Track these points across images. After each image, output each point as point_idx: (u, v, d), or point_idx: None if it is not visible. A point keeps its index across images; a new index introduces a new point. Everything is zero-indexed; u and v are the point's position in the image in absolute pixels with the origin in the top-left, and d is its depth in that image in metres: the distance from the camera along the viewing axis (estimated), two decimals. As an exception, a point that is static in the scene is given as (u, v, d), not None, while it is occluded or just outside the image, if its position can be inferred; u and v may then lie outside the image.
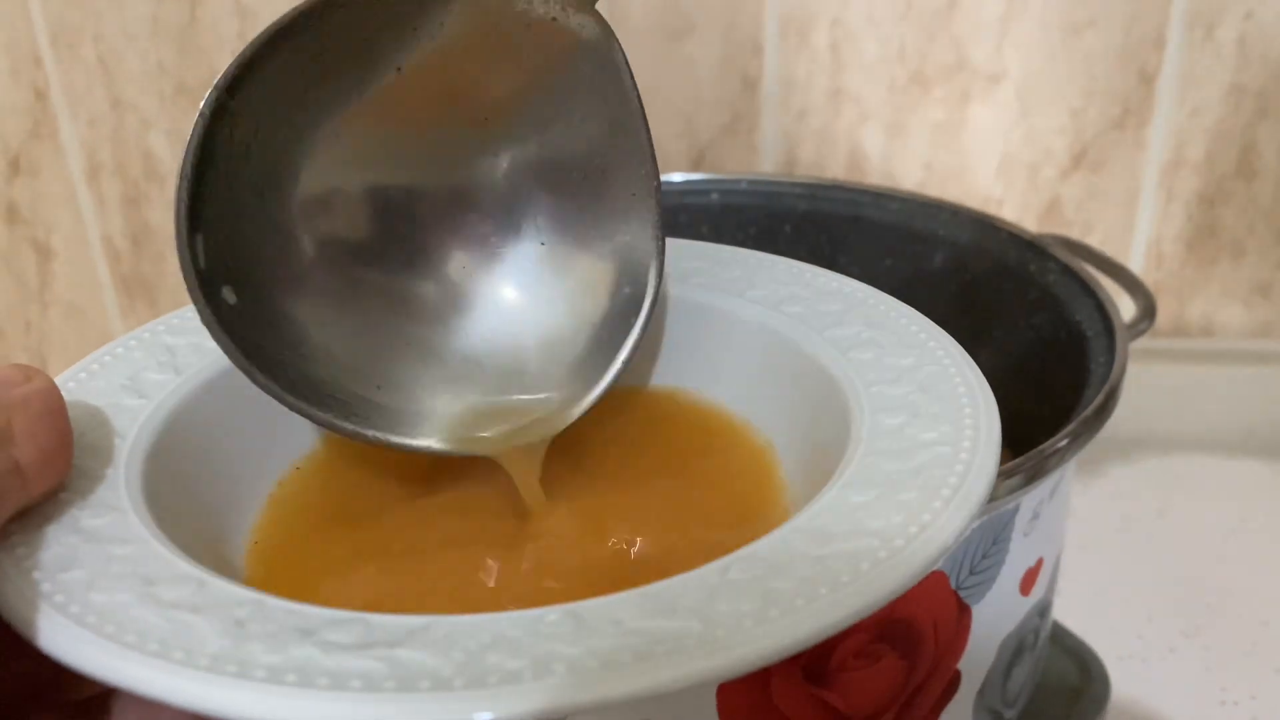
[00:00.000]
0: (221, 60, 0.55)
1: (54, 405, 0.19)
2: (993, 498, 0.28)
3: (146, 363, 0.23)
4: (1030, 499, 0.29)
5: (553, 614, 0.16)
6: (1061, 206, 0.55)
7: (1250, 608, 0.45)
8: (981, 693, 0.31)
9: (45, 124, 0.58)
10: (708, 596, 0.17)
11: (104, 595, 0.17)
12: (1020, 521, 0.29)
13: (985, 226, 0.39)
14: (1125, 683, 0.40)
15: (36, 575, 0.17)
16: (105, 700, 0.21)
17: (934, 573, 0.28)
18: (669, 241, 0.26)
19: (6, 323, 0.63)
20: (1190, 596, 0.46)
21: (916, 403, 0.21)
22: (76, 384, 0.22)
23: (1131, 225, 0.56)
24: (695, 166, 0.56)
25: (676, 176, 0.44)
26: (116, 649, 0.16)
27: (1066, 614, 0.42)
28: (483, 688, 0.15)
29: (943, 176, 0.55)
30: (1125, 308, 0.37)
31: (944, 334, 0.23)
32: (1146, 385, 0.54)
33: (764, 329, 0.24)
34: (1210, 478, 0.53)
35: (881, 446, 0.20)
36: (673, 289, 0.25)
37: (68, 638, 0.16)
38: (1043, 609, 0.33)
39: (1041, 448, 0.28)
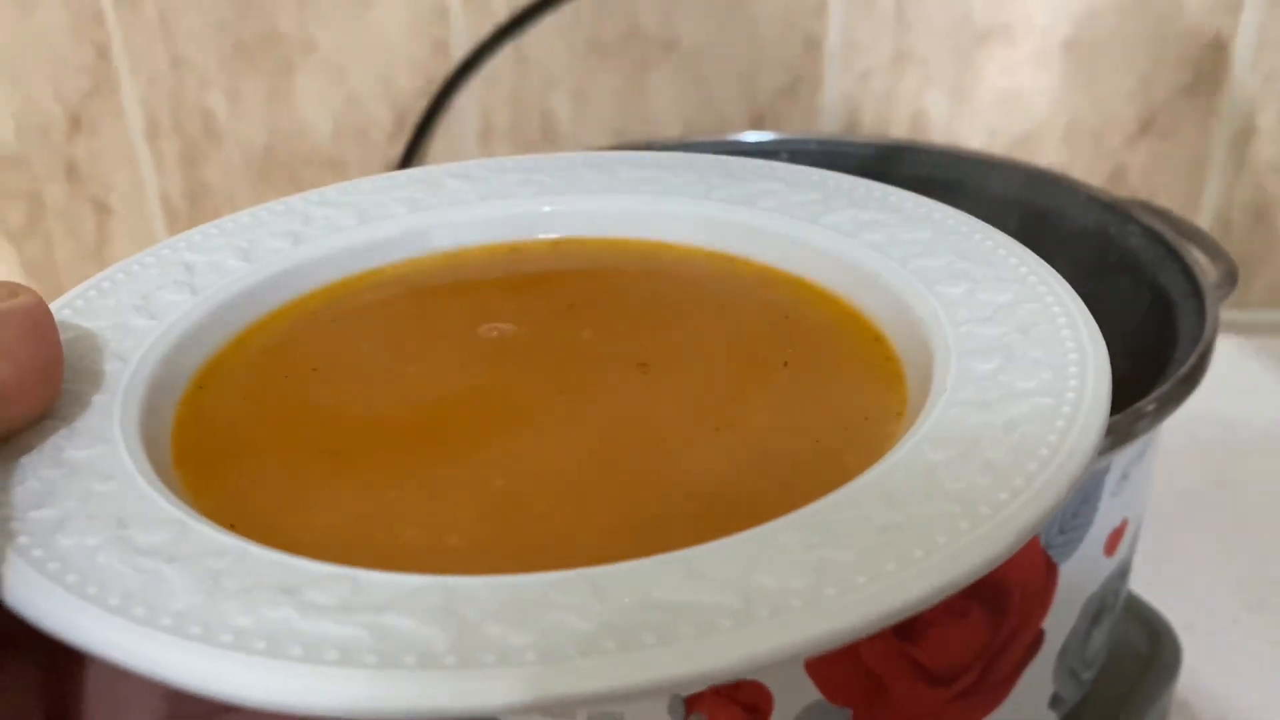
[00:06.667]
0: (280, 19, 0.55)
1: (39, 323, 0.17)
2: (1085, 456, 0.28)
3: (162, 281, 0.21)
4: (1121, 459, 0.29)
5: (569, 580, 0.14)
6: (1127, 174, 0.55)
7: (1316, 581, 0.45)
8: (1063, 653, 0.31)
9: (106, 81, 0.58)
10: (751, 567, 0.14)
11: (72, 539, 0.15)
12: (1110, 481, 0.29)
13: (1063, 189, 0.39)
14: (1189, 655, 0.40)
15: (4, 512, 0.16)
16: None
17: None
18: (732, 160, 0.24)
19: (66, 280, 0.64)
20: (1253, 569, 0.45)
21: (1013, 345, 0.18)
22: (85, 302, 0.20)
23: (1199, 194, 0.55)
24: (754, 128, 0.55)
25: (749, 136, 0.44)
26: (74, 601, 0.14)
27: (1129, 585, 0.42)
28: (477, 667, 0.13)
29: (1007, 143, 0.55)
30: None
31: (1048, 268, 0.20)
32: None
33: (839, 260, 0.21)
34: (1271, 449, 0.52)
35: (968, 395, 0.17)
36: (737, 214, 0.23)
37: (24, 585, 0.15)
38: (1124, 570, 0.33)
39: (1137, 406, 0.28)
